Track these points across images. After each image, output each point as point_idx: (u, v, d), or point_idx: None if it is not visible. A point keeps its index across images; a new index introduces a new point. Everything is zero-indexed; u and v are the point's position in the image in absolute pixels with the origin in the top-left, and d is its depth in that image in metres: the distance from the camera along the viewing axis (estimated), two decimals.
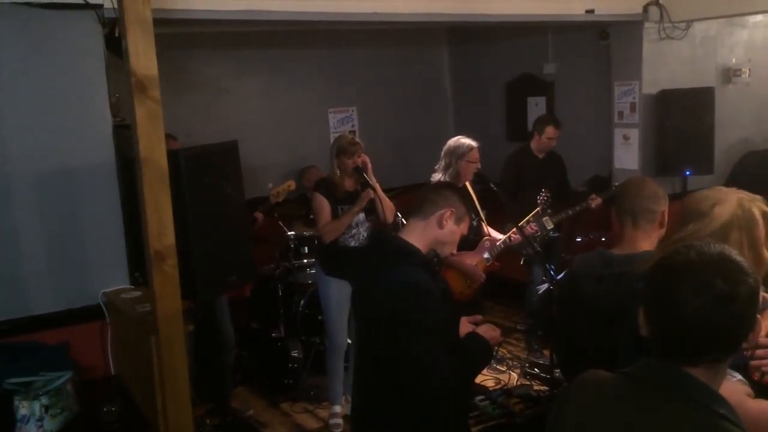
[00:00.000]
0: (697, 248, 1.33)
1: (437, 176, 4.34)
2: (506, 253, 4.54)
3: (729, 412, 1.29)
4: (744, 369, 1.76)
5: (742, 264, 1.32)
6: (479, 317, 2.58)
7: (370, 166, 4.11)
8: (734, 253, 1.34)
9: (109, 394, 2.96)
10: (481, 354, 2.40)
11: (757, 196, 2.00)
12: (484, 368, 2.62)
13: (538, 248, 4.53)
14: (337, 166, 4.14)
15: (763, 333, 1.75)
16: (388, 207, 4.13)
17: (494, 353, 2.47)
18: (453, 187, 2.57)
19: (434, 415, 2.29)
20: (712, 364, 1.32)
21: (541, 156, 5.26)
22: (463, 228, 2.43)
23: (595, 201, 4.88)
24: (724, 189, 2.03)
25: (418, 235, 2.36)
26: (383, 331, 2.23)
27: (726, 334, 1.30)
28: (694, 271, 1.30)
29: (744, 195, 1.99)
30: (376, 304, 2.27)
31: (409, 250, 2.31)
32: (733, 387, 1.65)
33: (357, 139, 4.26)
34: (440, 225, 2.35)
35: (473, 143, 4.31)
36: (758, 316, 1.33)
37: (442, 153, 4.37)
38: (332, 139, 6.48)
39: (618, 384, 1.40)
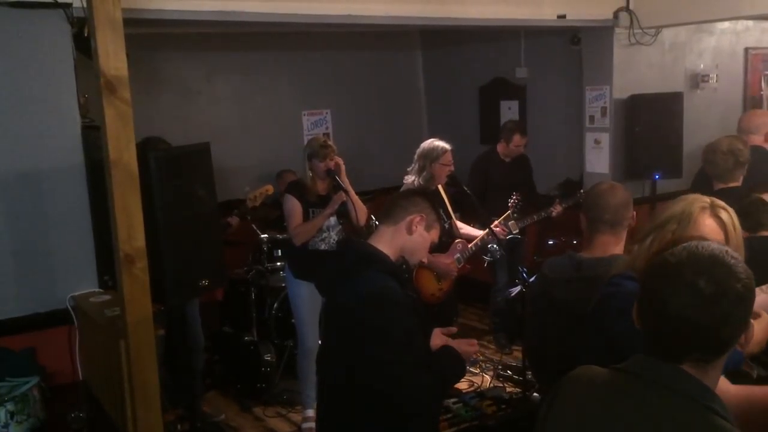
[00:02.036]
0: (690, 248, 1.33)
1: (410, 179, 4.35)
2: (475, 255, 4.56)
3: (720, 407, 1.29)
4: (734, 374, 1.80)
5: (733, 266, 1.30)
6: (454, 329, 2.51)
7: (343, 168, 4.10)
8: (729, 255, 1.32)
9: (76, 400, 2.92)
10: (453, 369, 2.33)
11: (726, 206, 2.04)
12: (455, 383, 2.55)
13: (503, 251, 4.57)
14: (309, 169, 4.12)
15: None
16: (361, 210, 4.12)
17: (467, 368, 2.41)
18: (424, 193, 2.52)
19: (401, 425, 2.23)
20: (698, 362, 1.32)
21: (508, 160, 5.33)
22: (434, 235, 2.37)
23: (557, 210, 4.88)
24: (698, 195, 2.08)
25: (387, 241, 2.31)
26: (349, 340, 2.17)
27: (709, 334, 1.29)
28: (681, 270, 1.30)
29: (706, 198, 2.04)
30: (342, 312, 2.22)
31: (377, 257, 2.25)
32: None
33: (330, 142, 4.23)
34: (409, 231, 2.30)
35: (447, 146, 4.32)
36: (751, 319, 1.32)
37: (416, 156, 4.37)
38: (306, 142, 6.50)
39: (610, 378, 1.41)
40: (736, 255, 1.33)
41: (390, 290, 2.16)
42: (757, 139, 4.19)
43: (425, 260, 2.54)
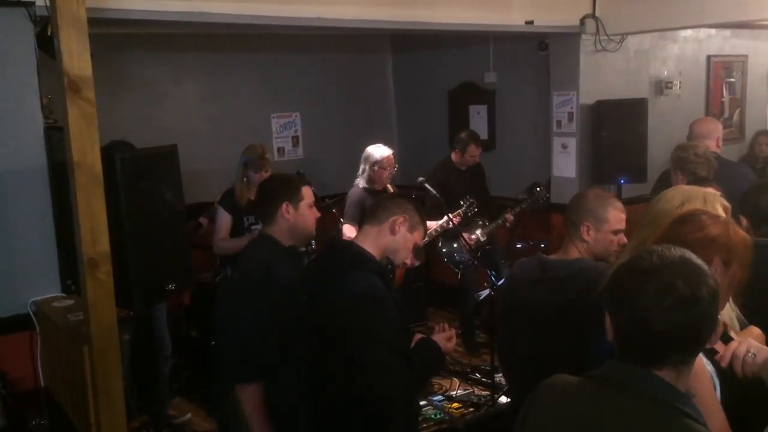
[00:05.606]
0: (659, 252, 1.34)
1: (357, 180, 4.72)
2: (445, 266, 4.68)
3: (694, 411, 1.31)
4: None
5: (702, 266, 1.34)
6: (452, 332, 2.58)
7: None
8: (694, 257, 1.35)
9: (38, 407, 2.86)
10: (432, 361, 2.39)
11: (717, 193, 2.10)
12: (434, 374, 2.66)
13: (475, 262, 4.69)
14: (244, 177, 4.27)
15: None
16: None
17: (444, 360, 2.50)
18: (409, 197, 2.64)
19: (384, 424, 2.26)
20: (676, 365, 1.33)
21: (463, 168, 5.44)
22: (417, 237, 2.43)
23: (509, 219, 5.15)
24: (688, 188, 2.12)
25: (372, 241, 2.36)
26: (332, 340, 2.21)
27: (689, 335, 1.31)
28: (657, 274, 1.30)
29: (708, 191, 2.09)
30: (327, 311, 2.24)
31: (363, 257, 2.30)
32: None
33: (267, 155, 4.37)
34: (393, 231, 2.36)
35: (385, 152, 4.67)
36: (719, 317, 1.36)
37: (361, 158, 4.70)
38: (275, 145, 6.46)
39: (583, 386, 1.41)
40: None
41: (375, 290, 2.22)
42: (711, 144, 4.28)
43: (408, 261, 2.61)
